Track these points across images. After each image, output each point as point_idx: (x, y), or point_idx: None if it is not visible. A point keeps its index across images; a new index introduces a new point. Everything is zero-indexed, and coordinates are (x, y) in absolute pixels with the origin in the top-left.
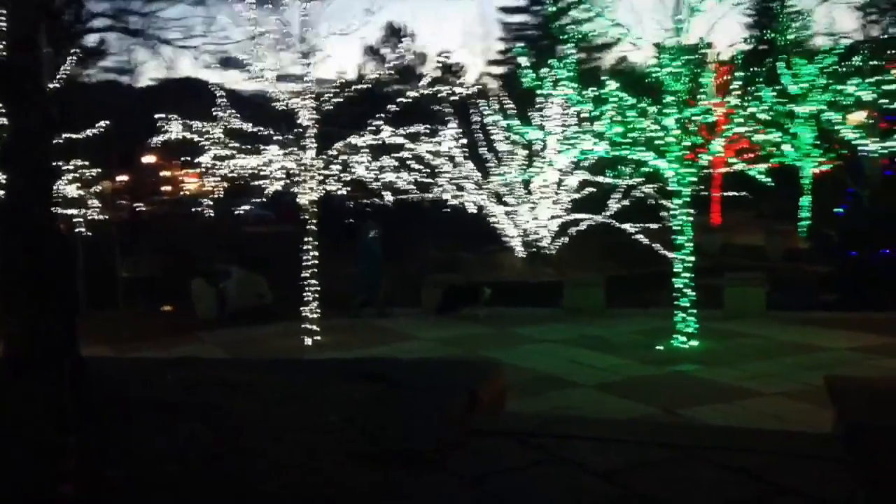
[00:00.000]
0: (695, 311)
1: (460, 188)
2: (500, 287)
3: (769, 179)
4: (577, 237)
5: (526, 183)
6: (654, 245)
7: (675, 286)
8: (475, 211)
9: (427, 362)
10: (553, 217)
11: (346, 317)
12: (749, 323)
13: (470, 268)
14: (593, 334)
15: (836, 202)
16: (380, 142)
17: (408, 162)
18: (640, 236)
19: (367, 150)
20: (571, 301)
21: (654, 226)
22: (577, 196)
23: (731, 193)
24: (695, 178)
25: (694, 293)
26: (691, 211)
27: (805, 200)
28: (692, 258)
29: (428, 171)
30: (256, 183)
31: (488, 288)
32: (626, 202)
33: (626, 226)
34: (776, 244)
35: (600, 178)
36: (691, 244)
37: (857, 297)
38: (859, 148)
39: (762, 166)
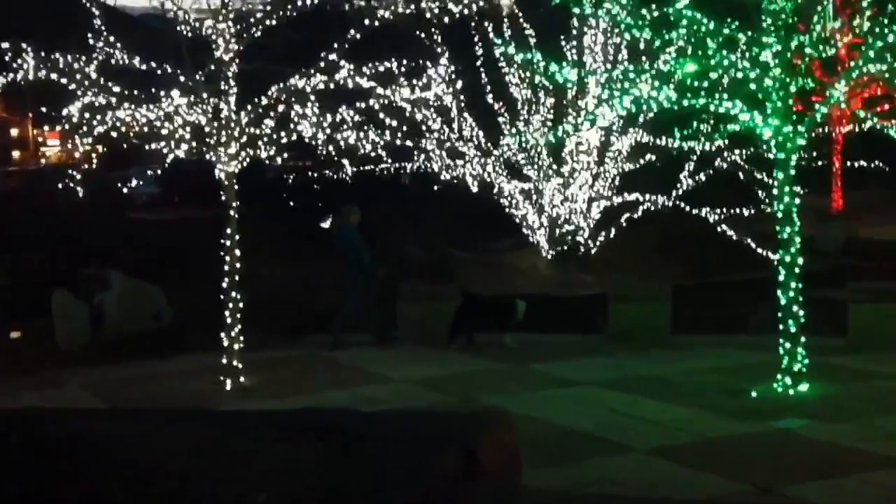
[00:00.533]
0: (805, 338)
1: (456, 155)
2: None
3: None
4: (630, 229)
5: (554, 149)
6: (744, 240)
7: (777, 302)
8: (478, 190)
9: (403, 414)
10: (594, 199)
11: (301, 347)
12: (886, 357)
13: (469, 273)
14: (651, 373)
15: None
16: (335, 85)
17: (378, 116)
18: (723, 227)
19: (317, 99)
20: (619, 323)
21: (744, 212)
22: (629, 168)
23: (859, 164)
24: (804, 141)
25: (804, 313)
26: (799, 190)
27: None
28: (801, 260)
29: (408, 129)
30: (151, 147)
31: (522, 301)
32: (702, 177)
33: (703, 212)
34: None
35: (664, 142)
36: (800, 239)
37: None
38: None
39: None
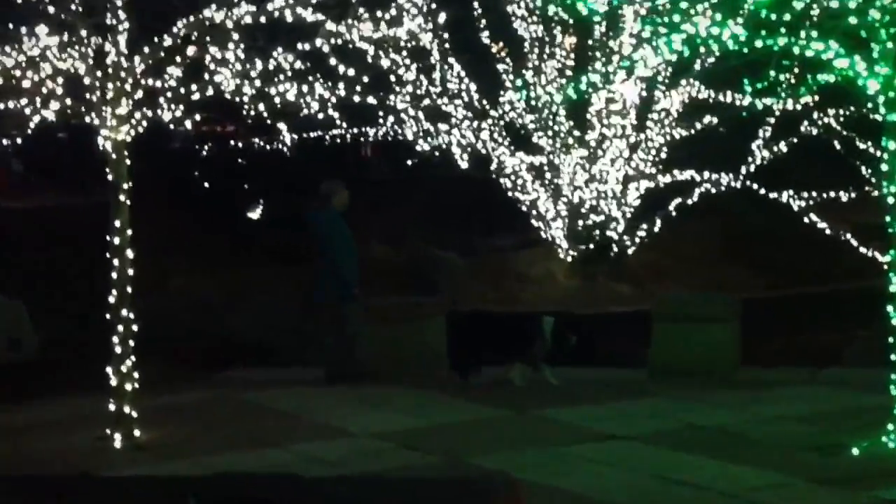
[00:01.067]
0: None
1: (438, 118)
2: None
3: None
4: (681, 220)
5: (576, 108)
6: (841, 236)
7: (887, 322)
8: (469, 166)
9: (366, 483)
10: (631, 179)
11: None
12: None
13: (458, 282)
14: (712, 423)
15: None
16: (268, 18)
17: (329, 63)
18: (812, 218)
19: (242, 38)
20: (668, 352)
21: (841, 196)
22: (680, 135)
23: None
24: None
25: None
26: None
27: None
28: None
29: (370, 81)
30: (6, 107)
31: (550, 317)
32: (783, 148)
33: (785, 197)
34: None
35: (730, 99)
36: None
37: None
38: None
39: None
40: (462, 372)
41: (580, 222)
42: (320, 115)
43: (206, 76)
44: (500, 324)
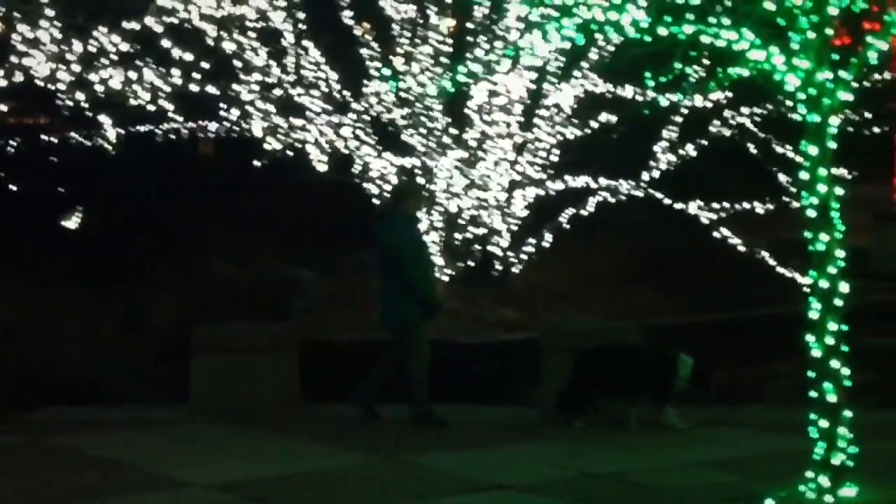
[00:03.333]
0: (852, 413)
1: (292, 111)
2: (375, 351)
3: None
4: (576, 233)
5: (454, 102)
6: (756, 253)
7: (808, 355)
8: (328, 168)
9: None
10: (517, 185)
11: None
12: None
13: (315, 304)
14: (614, 470)
15: None
16: None
17: (161, 45)
18: (723, 232)
19: (58, 15)
20: (562, 387)
21: (756, 207)
22: (574, 135)
23: None
24: (852, 96)
25: (850, 371)
26: (844, 174)
27: None
28: (845, 287)
29: (211, 67)
30: None
31: (689, 357)
32: (690, 151)
33: (692, 207)
34: None
35: (630, 94)
36: (843, 254)
37: None
38: None
39: None
40: (571, 413)
41: (458, 235)
42: (151, 107)
43: (14, 59)
44: (628, 361)
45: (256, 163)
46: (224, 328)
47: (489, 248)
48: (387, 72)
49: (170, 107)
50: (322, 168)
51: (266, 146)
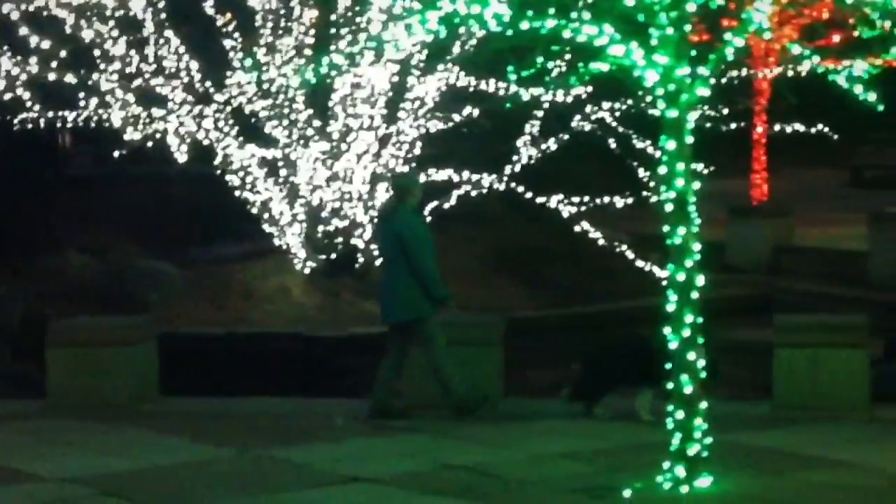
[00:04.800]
0: (707, 404)
1: (153, 102)
2: (234, 345)
3: (875, 97)
4: (439, 226)
5: (316, 94)
6: (615, 247)
7: (664, 347)
8: (188, 159)
9: None
10: (380, 178)
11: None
12: (830, 433)
13: (172, 296)
14: (473, 462)
15: None
16: None
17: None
18: (584, 226)
19: None
20: (420, 382)
21: (616, 201)
22: (437, 128)
23: (794, 129)
24: (709, 91)
25: (708, 364)
26: (702, 169)
27: None
28: (701, 280)
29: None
30: None
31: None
32: (552, 146)
33: (554, 201)
34: (893, 249)
35: (493, 88)
36: (700, 247)
37: None
38: None
39: (862, 67)
40: (587, 402)
41: (320, 228)
42: (6, 95)
43: None
44: (641, 351)
45: (115, 153)
46: (79, 322)
47: (351, 240)
48: (249, 63)
49: (26, 95)
50: (182, 159)
51: (125, 137)
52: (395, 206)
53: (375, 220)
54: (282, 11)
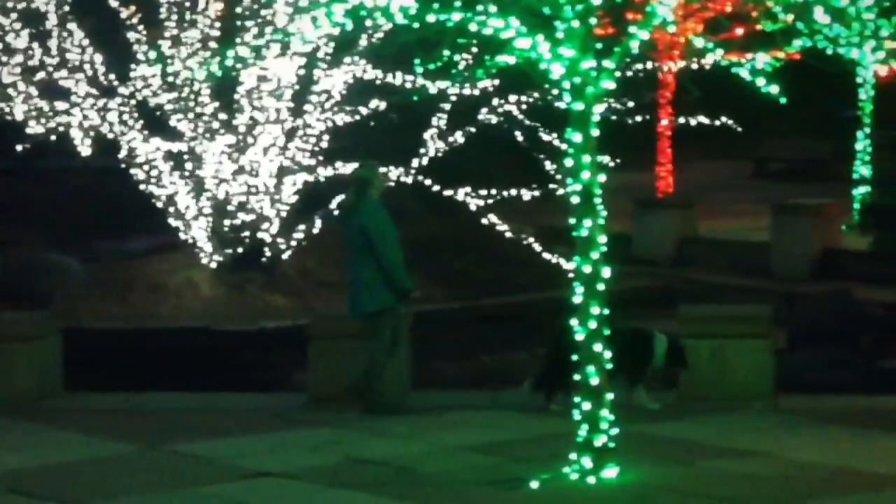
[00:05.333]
0: (612, 396)
1: (55, 95)
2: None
3: (779, 90)
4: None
5: (222, 87)
6: (522, 240)
7: (570, 338)
8: (93, 152)
9: None
10: (287, 172)
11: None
12: (735, 422)
13: (76, 291)
14: (380, 455)
15: None
16: None
17: None
18: (491, 218)
19: None
20: (328, 375)
21: (523, 194)
22: (344, 121)
23: (699, 121)
24: (615, 84)
25: (613, 355)
26: (607, 162)
27: (862, 140)
28: (607, 272)
29: None
30: None
31: (663, 335)
32: (459, 139)
33: (461, 194)
34: (796, 240)
35: (400, 81)
36: (605, 239)
37: None
38: None
39: (765, 60)
40: (547, 393)
41: (227, 222)
42: None
43: None
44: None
45: (18, 147)
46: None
47: (258, 234)
48: (153, 56)
49: None
50: (85, 152)
51: (28, 130)
52: (356, 199)
53: (338, 213)
54: (187, 4)
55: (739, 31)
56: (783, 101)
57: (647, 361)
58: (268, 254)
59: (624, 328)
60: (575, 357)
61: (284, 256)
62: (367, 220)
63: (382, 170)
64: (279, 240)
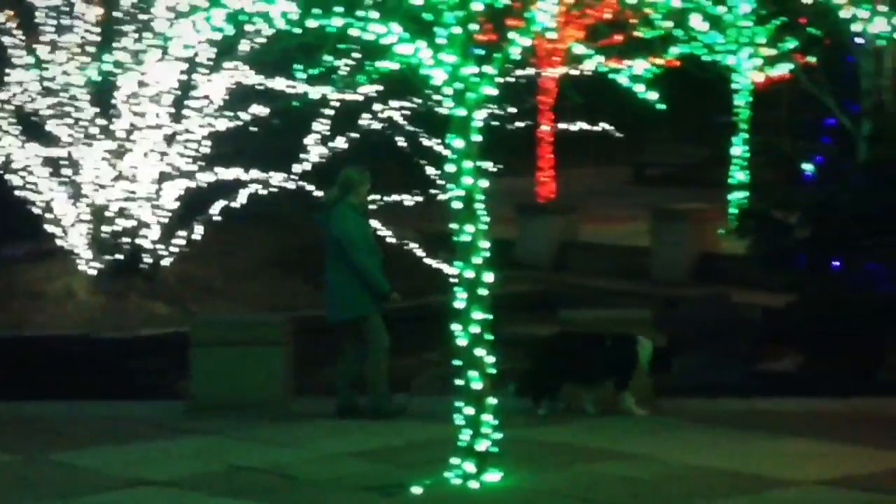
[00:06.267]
0: (496, 400)
1: None
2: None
3: (657, 96)
4: (229, 226)
5: (101, 92)
6: (405, 245)
7: (452, 344)
8: None
9: None
10: (167, 178)
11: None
12: (618, 426)
13: None
14: (263, 462)
15: (802, 150)
16: None
17: None
18: (374, 224)
19: None
20: (210, 382)
21: (405, 200)
22: (226, 127)
23: (580, 128)
24: (495, 89)
25: (496, 360)
26: (489, 167)
27: (739, 146)
28: (489, 277)
29: None
30: None
31: (649, 339)
32: (342, 144)
33: None
34: (675, 244)
35: (281, 86)
36: (488, 244)
37: (840, 360)
38: (854, 33)
39: (644, 67)
40: (534, 396)
41: (106, 228)
42: None
43: None
44: (588, 346)
45: None
46: None
47: (138, 241)
48: (30, 60)
49: None
50: None
51: None
52: (335, 201)
53: (317, 214)
54: (65, 8)
55: (619, 38)
56: (662, 106)
57: (633, 366)
58: (148, 260)
59: (607, 334)
60: (554, 361)
61: (165, 263)
62: (339, 227)
63: (265, 175)
64: (159, 246)
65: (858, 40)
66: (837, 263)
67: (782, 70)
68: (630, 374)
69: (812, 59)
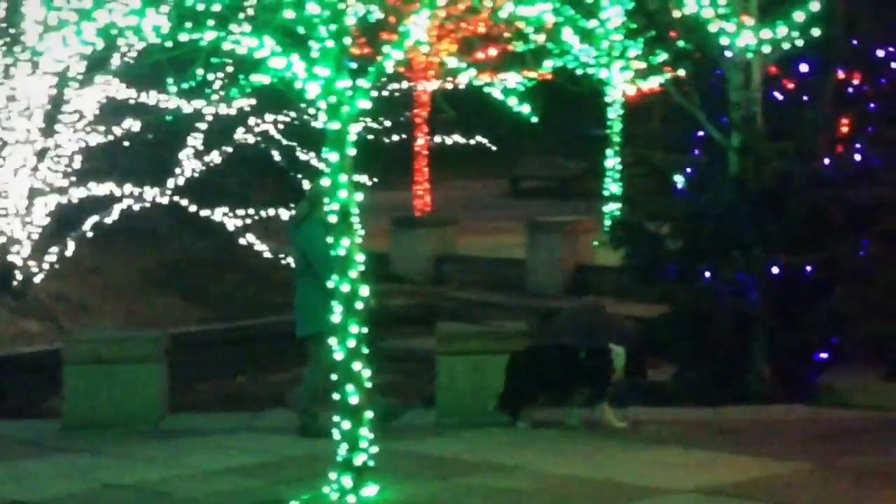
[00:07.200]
0: (374, 412)
1: None
2: None
3: (530, 109)
4: (102, 241)
5: None
6: (281, 259)
7: (330, 357)
8: None
9: None
10: (38, 194)
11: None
12: (495, 438)
13: None
14: (136, 480)
15: (674, 163)
16: None
17: None
18: (250, 239)
19: None
20: (82, 400)
21: (281, 214)
22: (98, 141)
23: (455, 141)
24: (369, 102)
25: (372, 373)
26: (362, 180)
27: (612, 158)
28: (365, 290)
29: None
30: None
31: (621, 346)
32: (216, 159)
33: (219, 214)
34: (549, 257)
35: (154, 100)
36: (363, 258)
37: (710, 370)
38: (723, 45)
39: (517, 80)
40: (512, 411)
41: None
42: None
43: None
44: (562, 358)
45: None
46: None
47: (9, 257)
48: None
49: None
50: None
51: None
52: (304, 215)
53: (288, 227)
54: None
55: (492, 52)
56: (534, 119)
57: (609, 376)
58: (19, 277)
59: (579, 347)
60: (529, 375)
61: (37, 280)
62: (307, 243)
63: (138, 190)
64: (31, 263)
65: (727, 53)
66: (708, 274)
67: (653, 83)
68: (607, 384)
69: (682, 73)
